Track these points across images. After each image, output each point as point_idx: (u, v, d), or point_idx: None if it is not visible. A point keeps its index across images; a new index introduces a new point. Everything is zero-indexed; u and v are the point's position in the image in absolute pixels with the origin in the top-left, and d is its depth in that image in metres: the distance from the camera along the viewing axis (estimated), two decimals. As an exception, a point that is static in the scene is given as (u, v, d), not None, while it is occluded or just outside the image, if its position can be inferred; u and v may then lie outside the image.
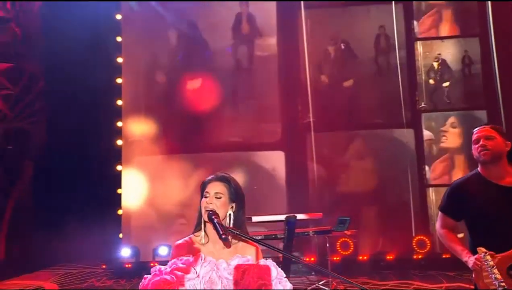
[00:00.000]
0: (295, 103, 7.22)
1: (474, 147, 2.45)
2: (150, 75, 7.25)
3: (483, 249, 2.32)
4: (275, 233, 5.07)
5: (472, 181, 2.50)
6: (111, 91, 7.20)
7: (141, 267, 6.49)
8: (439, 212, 2.69)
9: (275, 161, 7.04)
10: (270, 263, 1.96)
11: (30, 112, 7.23)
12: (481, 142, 2.36)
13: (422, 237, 6.55)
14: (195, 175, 6.99)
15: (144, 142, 7.13)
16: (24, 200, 6.99)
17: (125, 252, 6.64)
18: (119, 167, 7.07)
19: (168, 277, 1.85)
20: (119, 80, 7.24)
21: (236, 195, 2.01)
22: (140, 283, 1.90)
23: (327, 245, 5.36)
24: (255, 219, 4.94)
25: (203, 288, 1.82)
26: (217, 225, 1.85)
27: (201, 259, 1.87)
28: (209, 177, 2.06)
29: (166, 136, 7.13)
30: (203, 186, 2.04)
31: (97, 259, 6.89)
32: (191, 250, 1.96)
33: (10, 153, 6.61)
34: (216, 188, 1.98)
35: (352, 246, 6.59)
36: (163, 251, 6.58)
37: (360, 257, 6.58)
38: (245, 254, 1.96)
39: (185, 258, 1.90)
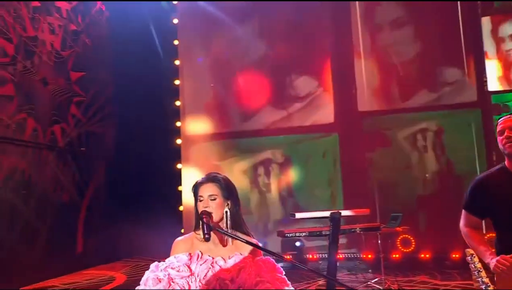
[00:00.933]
0: (349, 87, 6.98)
1: (498, 138, 2.29)
2: (205, 76, 7.44)
3: (471, 251, 2.18)
4: (320, 230, 4.96)
5: (496, 176, 2.33)
6: (170, 93, 7.54)
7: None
8: (463, 210, 2.48)
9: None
10: (269, 260, 1.94)
11: (101, 116, 7.85)
12: (506, 133, 2.22)
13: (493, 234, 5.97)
14: (250, 172, 7.09)
15: (201, 140, 7.38)
16: (98, 197, 7.61)
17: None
18: (179, 165, 7.40)
19: (161, 274, 1.91)
20: (176, 82, 7.55)
21: (229, 193, 2.00)
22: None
23: (379, 241, 5.12)
24: (298, 215, 4.87)
25: (197, 286, 1.84)
26: (204, 225, 1.83)
27: (198, 257, 1.90)
28: (200, 180, 2.05)
29: (221, 134, 7.31)
30: (195, 189, 2.04)
31: (161, 253, 7.28)
32: (191, 247, 1.98)
33: (84, 155, 7.22)
34: (209, 190, 1.98)
35: (413, 243, 6.23)
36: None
37: (422, 255, 6.19)
38: (243, 251, 1.94)
39: (181, 255, 1.94)
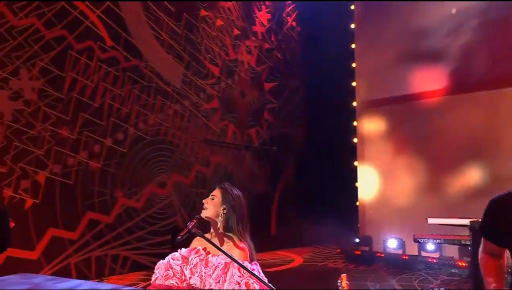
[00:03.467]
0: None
1: None
2: (379, 78, 7.50)
3: (343, 276, 1.87)
4: (459, 239, 4.49)
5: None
6: (348, 94, 7.92)
7: (371, 256, 6.97)
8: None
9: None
10: (255, 267, 2.17)
11: (291, 118, 8.92)
12: None
13: None
14: (423, 171, 6.81)
15: (375, 139, 7.49)
16: (288, 189, 8.71)
17: (359, 240, 7.22)
18: (355, 163, 7.73)
19: (165, 261, 2.27)
20: (353, 84, 7.88)
21: (227, 200, 2.26)
22: None
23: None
24: (430, 221, 4.57)
25: (189, 271, 2.18)
26: (186, 228, 2.09)
27: (197, 251, 2.23)
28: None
29: (395, 133, 7.24)
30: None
31: (336, 243, 7.81)
32: (201, 243, 2.29)
33: (276, 153, 8.41)
34: (213, 192, 2.34)
35: None
36: (392, 243, 6.79)
37: None
38: (233, 253, 2.12)
39: (184, 249, 2.29)
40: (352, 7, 8.07)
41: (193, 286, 2.14)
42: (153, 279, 2.23)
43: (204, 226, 2.38)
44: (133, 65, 6.42)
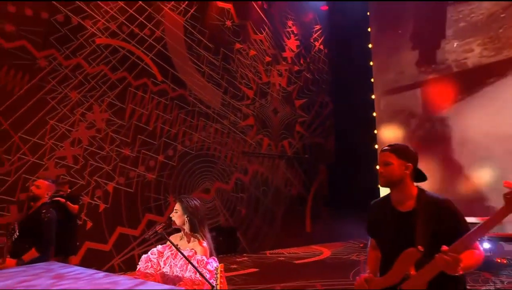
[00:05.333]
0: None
1: None
2: (395, 89, 7.92)
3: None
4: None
5: (379, 204, 2.23)
6: (367, 106, 8.41)
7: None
8: None
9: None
10: (212, 260, 2.45)
11: (321, 129, 9.55)
12: (379, 169, 2.13)
13: None
14: (437, 176, 7.11)
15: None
16: (321, 192, 9.32)
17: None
18: (377, 167, 8.16)
19: (146, 255, 2.62)
20: (372, 96, 8.36)
21: (188, 211, 2.59)
22: None
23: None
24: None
25: (163, 262, 2.53)
26: (154, 229, 2.41)
27: (170, 247, 2.53)
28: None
29: (411, 139, 7.61)
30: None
31: (362, 238, 8.26)
32: (175, 240, 2.63)
33: (308, 160, 9.09)
34: (175, 206, 2.66)
35: None
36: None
37: None
38: (196, 249, 2.48)
39: (161, 246, 2.63)
40: (369, 29, 8.59)
41: (164, 274, 2.51)
42: (137, 269, 2.58)
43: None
44: (179, 94, 7.53)
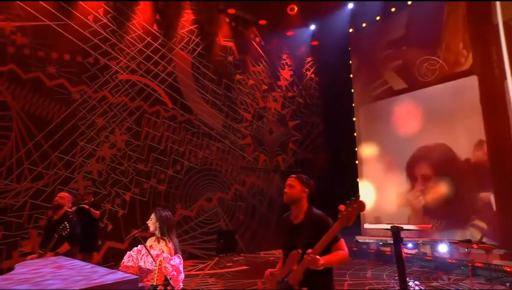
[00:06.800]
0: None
1: None
2: (371, 114, 8.79)
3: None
4: (385, 239, 5.50)
5: (284, 218, 2.73)
6: (350, 127, 9.29)
7: (365, 252, 8.13)
8: None
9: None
10: (174, 257, 2.92)
11: (313, 147, 10.45)
12: (285, 189, 2.64)
13: None
14: (407, 185, 7.89)
15: (371, 160, 8.74)
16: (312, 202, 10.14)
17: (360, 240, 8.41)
18: (358, 179, 9.00)
19: (129, 252, 3.06)
20: (353, 119, 9.24)
21: (160, 220, 3.12)
22: None
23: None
24: (366, 226, 5.73)
25: (139, 258, 2.93)
26: (133, 233, 3.07)
27: (144, 247, 2.93)
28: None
29: (386, 155, 8.44)
30: None
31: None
32: (150, 241, 3.13)
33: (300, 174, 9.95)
34: (151, 215, 3.19)
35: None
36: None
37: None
38: (164, 249, 2.98)
39: (140, 245, 3.02)
40: (350, 62, 9.53)
41: (140, 266, 2.94)
42: (121, 263, 3.00)
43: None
44: (186, 118, 8.63)
